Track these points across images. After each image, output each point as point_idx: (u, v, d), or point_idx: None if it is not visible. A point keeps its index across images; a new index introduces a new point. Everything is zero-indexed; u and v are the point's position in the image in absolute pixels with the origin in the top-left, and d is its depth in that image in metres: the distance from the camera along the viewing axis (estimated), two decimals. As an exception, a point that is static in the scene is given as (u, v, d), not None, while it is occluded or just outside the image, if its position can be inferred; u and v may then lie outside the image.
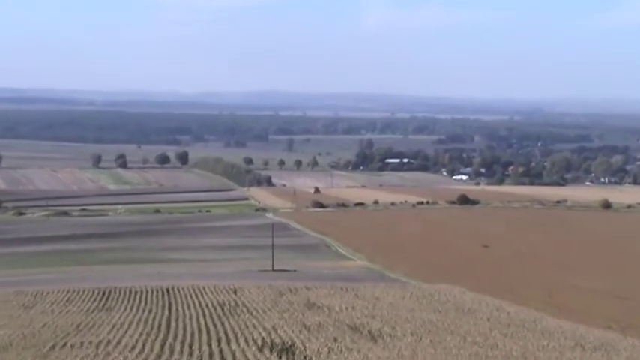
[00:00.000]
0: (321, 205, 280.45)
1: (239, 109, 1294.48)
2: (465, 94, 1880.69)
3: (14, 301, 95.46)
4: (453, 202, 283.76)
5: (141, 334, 72.07)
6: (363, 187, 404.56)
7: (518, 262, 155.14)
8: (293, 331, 71.41)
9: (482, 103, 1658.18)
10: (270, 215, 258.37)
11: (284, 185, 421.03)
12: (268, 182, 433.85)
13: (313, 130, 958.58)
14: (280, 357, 60.63)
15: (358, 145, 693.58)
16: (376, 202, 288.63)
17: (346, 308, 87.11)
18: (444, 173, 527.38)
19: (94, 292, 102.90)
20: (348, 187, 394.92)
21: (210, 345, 66.23)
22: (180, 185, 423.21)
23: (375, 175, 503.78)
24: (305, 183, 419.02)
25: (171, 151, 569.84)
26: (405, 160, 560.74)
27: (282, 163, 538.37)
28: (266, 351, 62.83)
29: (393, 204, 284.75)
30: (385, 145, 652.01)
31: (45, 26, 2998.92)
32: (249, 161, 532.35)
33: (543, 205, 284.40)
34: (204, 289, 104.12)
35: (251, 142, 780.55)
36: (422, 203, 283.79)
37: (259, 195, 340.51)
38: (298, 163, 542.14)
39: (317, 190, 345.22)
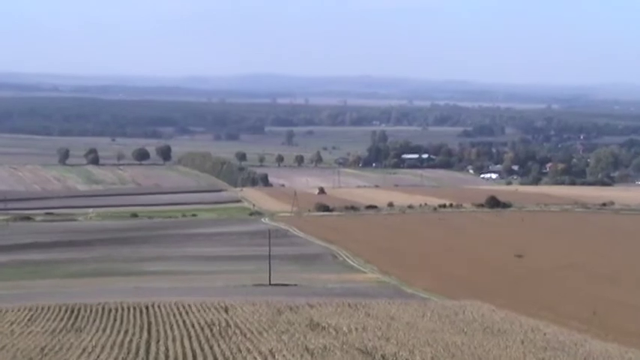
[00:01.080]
0: (327, 209, 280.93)
1: (230, 95, 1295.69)
2: (495, 78, 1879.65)
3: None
4: (480, 205, 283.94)
5: (116, 359, 72.05)
6: (376, 187, 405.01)
7: (558, 275, 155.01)
8: (294, 356, 71.39)
9: (515, 88, 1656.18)
10: (266, 220, 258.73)
11: (283, 185, 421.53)
12: (265, 181, 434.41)
13: (317, 120, 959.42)
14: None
15: (370, 138, 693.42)
16: (391, 205, 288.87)
17: (356, 329, 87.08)
18: (471, 171, 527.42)
19: (60, 310, 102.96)
20: (358, 188, 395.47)
21: (196, 372, 66.27)
22: (161, 185, 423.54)
23: (389, 173, 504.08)
24: (307, 182, 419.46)
25: (151, 145, 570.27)
26: (425, 156, 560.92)
27: (280, 159, 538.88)
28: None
29: (410, 207, 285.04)
30: (401, 137, 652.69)
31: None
32: (242, 157, 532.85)
33: (587, 208, 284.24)
34: (189, 306, 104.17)
35: (244, 135, 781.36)
36: (444, 206, 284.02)
37: (254, 196, 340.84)
38: (299, 159, 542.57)
39: (321, 191, 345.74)
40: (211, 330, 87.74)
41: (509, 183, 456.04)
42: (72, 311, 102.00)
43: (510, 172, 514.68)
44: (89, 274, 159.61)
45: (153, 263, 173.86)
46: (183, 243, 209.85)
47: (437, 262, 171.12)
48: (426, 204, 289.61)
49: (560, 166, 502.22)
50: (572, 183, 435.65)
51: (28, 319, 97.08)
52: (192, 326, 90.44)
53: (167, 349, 77.07)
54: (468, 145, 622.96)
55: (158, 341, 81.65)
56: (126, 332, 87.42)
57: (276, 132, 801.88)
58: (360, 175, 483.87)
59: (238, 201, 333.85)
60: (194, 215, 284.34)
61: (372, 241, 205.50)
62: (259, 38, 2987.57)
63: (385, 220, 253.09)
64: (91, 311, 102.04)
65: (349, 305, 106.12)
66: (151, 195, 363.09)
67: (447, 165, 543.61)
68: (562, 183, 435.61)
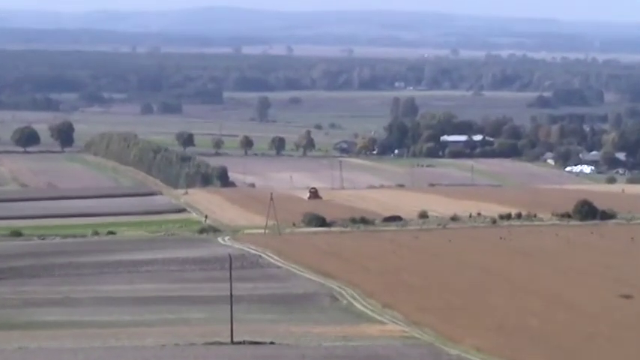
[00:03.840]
0: (322, 222, 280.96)
1: (169, 43, 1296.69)
2: (586, 15, 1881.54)
3: None
4: (566, 216, 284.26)
5: None
6: (400, 186, 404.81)
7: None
8: None
9: (621, 30, 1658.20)
10: (226, 240, 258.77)
11: (252, 185, 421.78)
12: (223, 179, 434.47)
13: (306, 81, 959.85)
14: None
15: (390, 111, 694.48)
16: (424, 216, 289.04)
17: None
18: (550, 161, 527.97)
19: None
20: (372, 188, 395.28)
21: None
22: (59, 185, 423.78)
23: (420, 165, 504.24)
24: (291, 181, 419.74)
25: (41, 123, 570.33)
26: (478, 138, 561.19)
27: (248, 143, 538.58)
28: None
29: (454, 219, 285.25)
30: (440, 109, 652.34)
31: None
32: (187, 140, 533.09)
33: None
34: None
35: (190, 105, 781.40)
36: (509, 217, 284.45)
37: (207, 202, 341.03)
38: (279, 144, 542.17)
39: (314, 194, 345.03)
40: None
41: (611, 180, 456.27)
42: None
43: (613, 162, 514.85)
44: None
45: (47, 309, 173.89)
46: (94, 277, 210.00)
47: (496, 306, 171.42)
48: (479, 214, 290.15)
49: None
50: None
51: None
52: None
53: None
54: (547, 121, 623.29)
55: None
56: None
57: (242, 100, 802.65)
58: (375, 169, 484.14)
59: (181, 210, 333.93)
60: (111, 233, 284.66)
61: (393, 274, 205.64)
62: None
63: (414, 241, 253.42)
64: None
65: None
66: (44, 201, 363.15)
67: (512, 152, 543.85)
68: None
